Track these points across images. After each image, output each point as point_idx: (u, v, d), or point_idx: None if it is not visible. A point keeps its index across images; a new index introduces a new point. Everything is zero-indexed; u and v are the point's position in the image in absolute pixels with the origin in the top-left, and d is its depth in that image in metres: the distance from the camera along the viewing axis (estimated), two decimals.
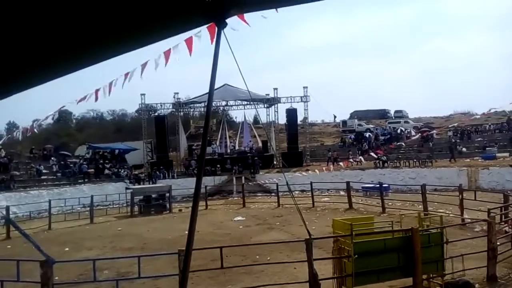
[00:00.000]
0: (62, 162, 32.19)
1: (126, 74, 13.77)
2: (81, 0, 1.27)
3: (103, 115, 65.46)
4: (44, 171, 29.73)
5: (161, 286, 8.96)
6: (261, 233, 15.06)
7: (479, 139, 35.80)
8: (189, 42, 10.18)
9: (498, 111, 30.45)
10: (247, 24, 5.93)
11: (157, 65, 11.97)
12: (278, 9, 2.70)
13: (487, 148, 31.81)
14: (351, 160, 27.12)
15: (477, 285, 8.22)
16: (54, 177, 29.72)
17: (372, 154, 27.30)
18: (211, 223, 17.33)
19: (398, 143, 28.12)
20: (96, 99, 15.12)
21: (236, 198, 27.49)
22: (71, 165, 32.14)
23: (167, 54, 11.35)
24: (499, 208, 12.03)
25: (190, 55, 10.39)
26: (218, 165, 33.64)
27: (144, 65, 12.67)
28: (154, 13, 1.40)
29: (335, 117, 56.86)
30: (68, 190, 26.88)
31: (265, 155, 36.07)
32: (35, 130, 21.20)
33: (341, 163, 27.96)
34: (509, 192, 15.32)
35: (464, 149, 33.03)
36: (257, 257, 10.90)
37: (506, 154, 30.09)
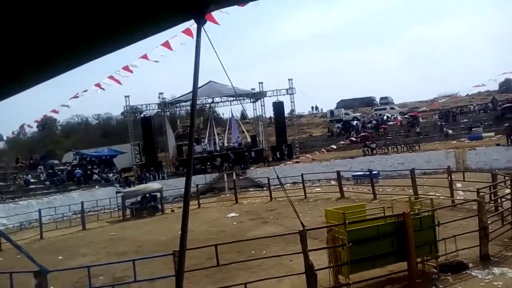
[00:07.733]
0: (50, 171, 31.75)
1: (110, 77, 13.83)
2: (57, 4, 1.23)
3: (88, 120, 64.48)
4: (32, 180, 29.31)
5: None
6: (256, 228, 15.08)
7: (465, 120, 36.26)
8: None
9: (482, 91, 30.95)
10: (217, 23, 6.07)
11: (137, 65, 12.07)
12: (257, 2, 2.70)
13: (472, 129, 32.30)
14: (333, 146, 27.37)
15: (470, 264, 8.35)
16: (43, 185, 29.31)
17: (353, 138, 27.50)
18: (205, 221, 17.31)
19: (382, 129, 28.33)
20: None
21: (228, 194, 27.41)
22: (59, 173, 31.73)
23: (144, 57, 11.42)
24: (488, 188, 12.22)
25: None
26: (208, 163, 33.56)
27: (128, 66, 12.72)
28: (131, 12, 1.37)
29: (312, 108, 60.57)
30: (58, 198, 26.52)
31: (254, 150, 36.11)
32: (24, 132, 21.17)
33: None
34: (496, 171, 15.57)
35: (450, 131, 33.43)
36: (253, 252, 10.93)
37: (492, 134, 30.53)
